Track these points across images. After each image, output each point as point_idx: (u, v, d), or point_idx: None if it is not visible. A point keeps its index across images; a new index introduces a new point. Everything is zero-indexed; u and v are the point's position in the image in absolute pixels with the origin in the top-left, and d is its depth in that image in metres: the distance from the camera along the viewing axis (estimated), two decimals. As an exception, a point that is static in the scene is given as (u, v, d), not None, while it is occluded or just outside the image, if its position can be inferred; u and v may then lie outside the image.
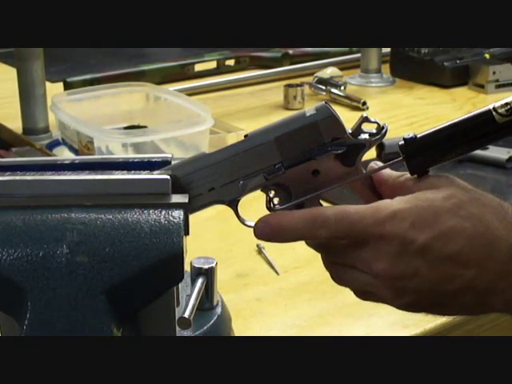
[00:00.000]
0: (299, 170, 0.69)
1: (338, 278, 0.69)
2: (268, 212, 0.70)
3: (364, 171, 0.71)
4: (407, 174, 0.70)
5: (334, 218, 0.66)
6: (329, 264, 0.69)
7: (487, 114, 0.67)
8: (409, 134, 0.69)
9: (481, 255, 0.65)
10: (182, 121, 1.37)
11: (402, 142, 0.69)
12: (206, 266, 0.74)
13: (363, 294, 0.69)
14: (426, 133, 0.69)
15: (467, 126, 0.67)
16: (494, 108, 0.66)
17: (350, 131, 0.69)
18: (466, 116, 0.68)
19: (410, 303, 0.67)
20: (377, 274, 0.66)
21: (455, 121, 0.68)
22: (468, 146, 0.69)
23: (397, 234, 0.65)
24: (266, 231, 0.67)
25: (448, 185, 0.67)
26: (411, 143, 0.68)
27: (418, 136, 0.69)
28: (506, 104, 0.66)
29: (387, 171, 0.71)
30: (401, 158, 0.69)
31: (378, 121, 0.70)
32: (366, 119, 0.69)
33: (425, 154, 0.68)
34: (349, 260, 0.67)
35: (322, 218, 0.66)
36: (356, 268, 0.67)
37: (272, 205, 0.70)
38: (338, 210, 0.67)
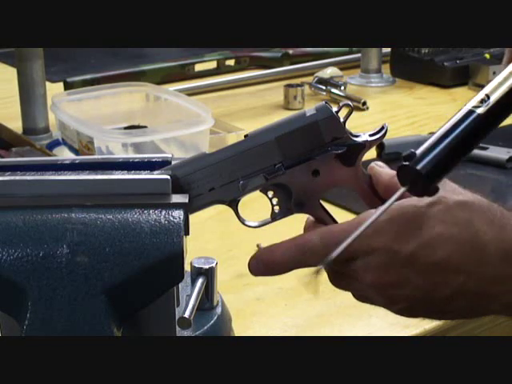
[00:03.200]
0: (299, 170, 0.69)
1: (336, 283, 0.70)
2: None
3: (364, 171, 0.71)
4: None
5: (320, 242, 0.67)
6: (328, 270, 0.70)
7: (469, 113, 0.63)
8: (403, 164, 0.63)
9: (470, 261, 0.64)
10: (182, 121, 1.36)
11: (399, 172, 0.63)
12: (206, 266, 0.74)
13: (360, 297, 0.70)
14: (423, 160, 0.62)
15: (460, 134, 0.62)
16: (472, 107, 0.63)
17: (350, 131, 0.69)
18: (450, 124, 0.63)
19: (405, 309, 0.67)
20: (368, 284, 0.66)
21: (442, 132, 0.63)
22: (468, 151, 0.64)
23: (382, 247, 0.65)
24: (260, 269, 0.69)
25: None
26: (409, 171, 0.62)
27: (415, 163, 0.62)
28: (481, 100, 0.64)
29: (385, 170, 0.71)
30: (404, 189, 0.63)
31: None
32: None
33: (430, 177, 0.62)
34: (343, 270, 0.68)
35: (309, 245, 0.67)
36: (351, 277, 0.68)
37: (272, 206, 0.71)
38: (323, 234, 0.67)
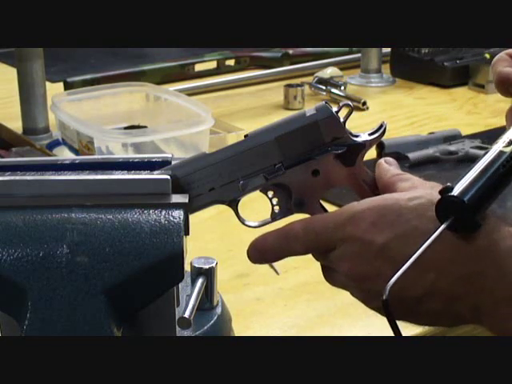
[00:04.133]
0: (299, 170, 0.69)
1: (326, 278, 0.71)
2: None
3: (368, 171, 0.71)
4: (403, 174, 0.70)
5: (302, 231, 0.68)
6: (321, 266, 0.71)
7: (499, 155, 0.65)
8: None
9: (441, 258, 0.64)
10: (181, 121, 1.37)
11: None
12: (206, 266, 0.74)
13: (350, 293, 0.70)
14: (468, 193, 0.63)
15: (497, 171, 0.64)
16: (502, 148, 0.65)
17: (350, 131, 0.69)
18: (485, 163, 0.64)
19: (381, 308, 0.66)
20: (345, 274, 0.67)
21: (479, 170, 0.64)
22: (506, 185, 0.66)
23: (356, 236, 0.65)
24: (256, 256, 0.70)
25: (424, 186, 0.67)
26: (454, 204, 0.63)
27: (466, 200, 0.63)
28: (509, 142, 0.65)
29: (388, 167, 0.71)
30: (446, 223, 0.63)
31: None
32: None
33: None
34: (326, 262, 0.69)
35: (292, 234, 0.68)
36: (332, 268, 0.68)
37: (271, 206, 0.71)
38: (305, 223, 0.68)
